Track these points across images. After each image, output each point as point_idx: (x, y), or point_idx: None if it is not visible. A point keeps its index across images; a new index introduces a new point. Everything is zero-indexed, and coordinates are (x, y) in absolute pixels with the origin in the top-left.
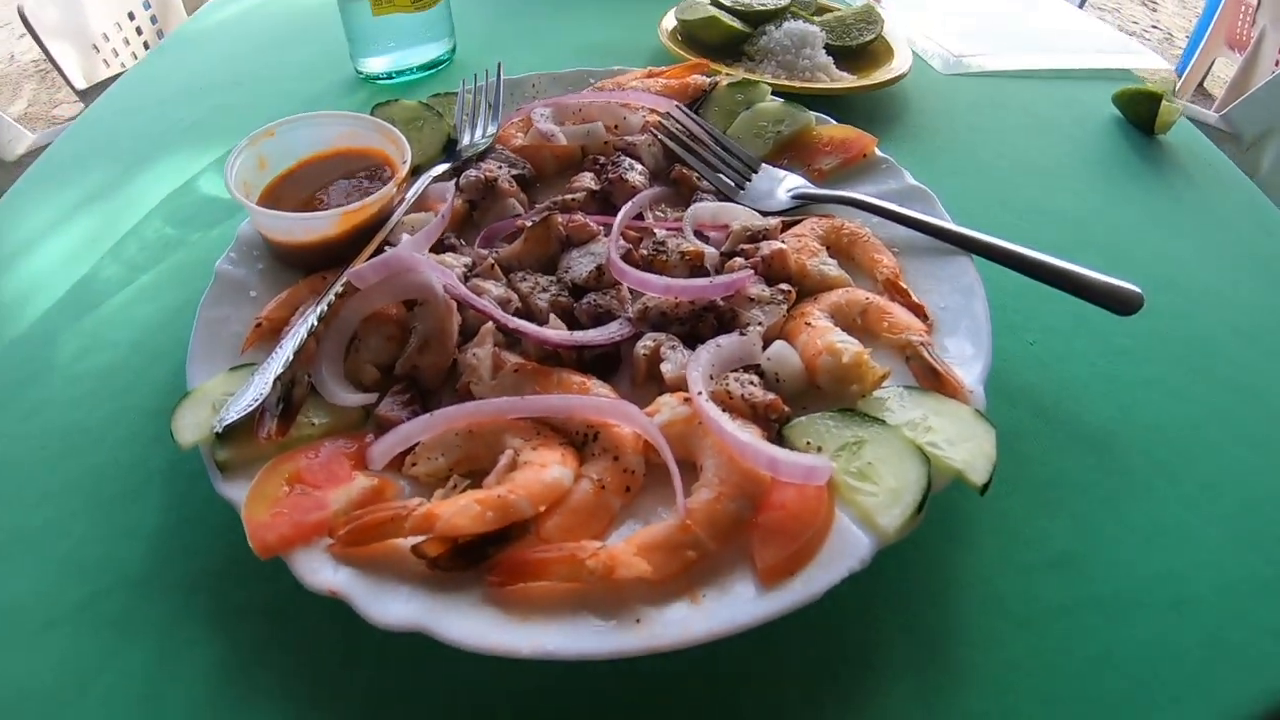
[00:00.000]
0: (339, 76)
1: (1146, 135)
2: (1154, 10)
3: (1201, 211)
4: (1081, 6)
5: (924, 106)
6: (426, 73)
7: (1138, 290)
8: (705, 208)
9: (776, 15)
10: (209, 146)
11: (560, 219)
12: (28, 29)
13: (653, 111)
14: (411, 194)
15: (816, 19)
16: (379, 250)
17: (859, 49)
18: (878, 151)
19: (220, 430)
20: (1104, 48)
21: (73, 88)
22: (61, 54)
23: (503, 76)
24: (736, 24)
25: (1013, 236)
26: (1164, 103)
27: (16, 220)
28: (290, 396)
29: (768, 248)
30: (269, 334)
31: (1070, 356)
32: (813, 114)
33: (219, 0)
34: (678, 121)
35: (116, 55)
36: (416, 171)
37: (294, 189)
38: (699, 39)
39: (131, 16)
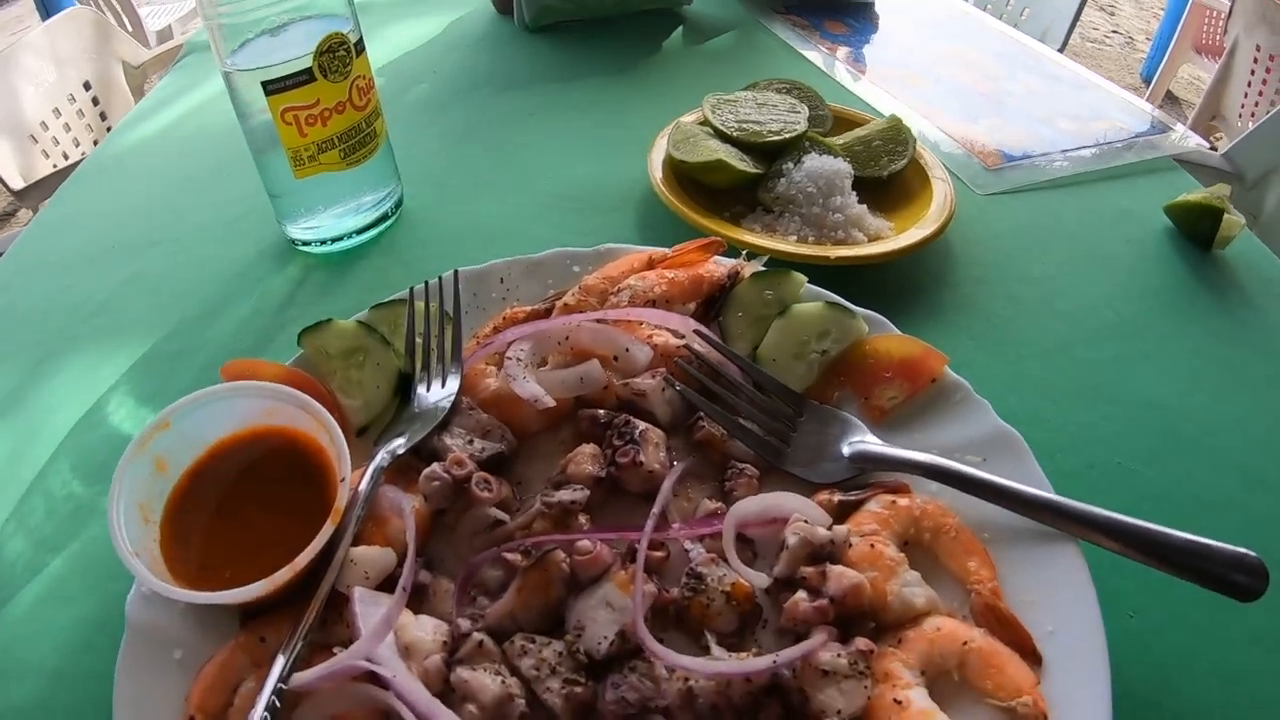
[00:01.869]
0: (270, 234)
1: (1203, 250)
2: (1112, 15)
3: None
4: (1063, 49)
5: (964, 240)
6: (367, 235)
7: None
8: (749, 507)
9: (792, 147)
10: (121, 341)
11: (562, 556)
12: None
13: (660, 331)
14: (360, 501)
15: (839, 142)
16: (330, 596)
17: (889, 178)
18: (949, 372)
19: None
20: (1135, 127)
21: (8, 188)
22: None
23: (459, 290)
24: (747, 167)
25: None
26: (1225, 216)
27: None
28: None
29: (837, 583)
30: None
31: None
32: (863, 319)
33: (146, 107)
34: (697, 356)
35: (57, 144)
36: (365, 430)
37: (208, 489)
38: (701, 183)
39: (72, 99)
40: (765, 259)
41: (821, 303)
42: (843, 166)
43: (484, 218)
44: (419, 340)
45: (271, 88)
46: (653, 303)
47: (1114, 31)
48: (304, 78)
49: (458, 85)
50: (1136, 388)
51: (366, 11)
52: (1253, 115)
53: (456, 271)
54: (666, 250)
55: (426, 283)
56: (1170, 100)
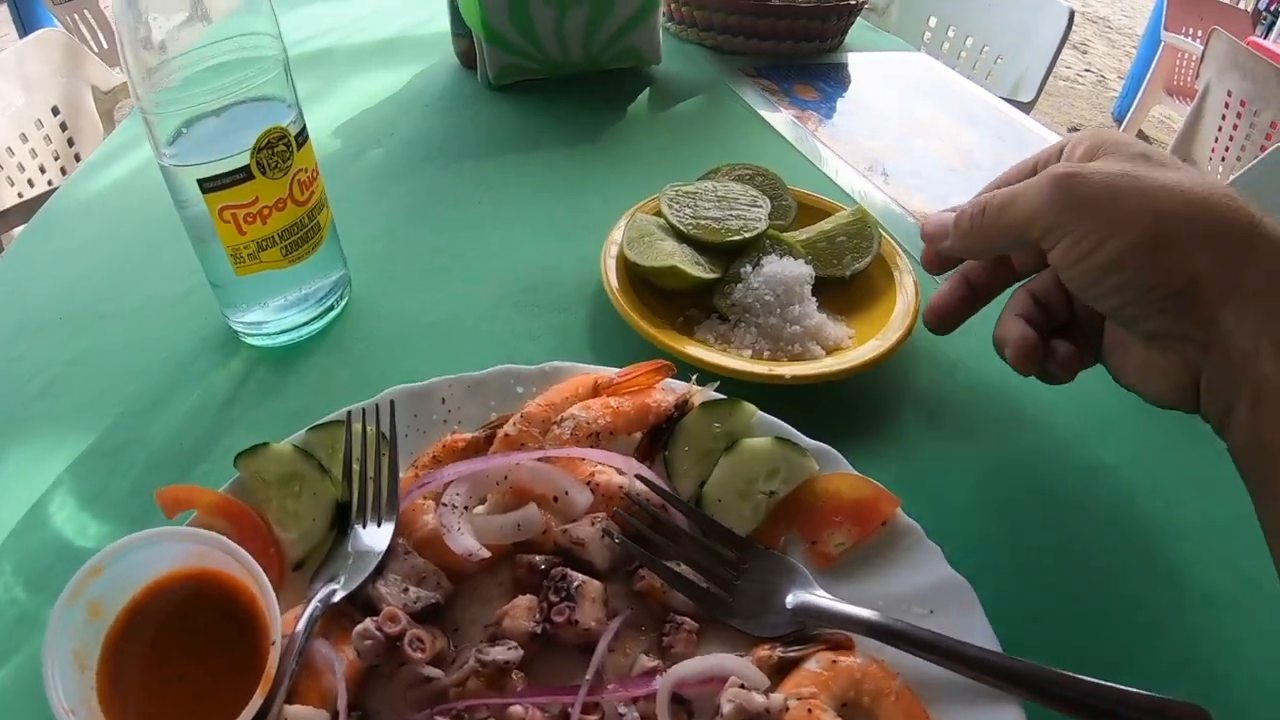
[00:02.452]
0: (216, 318)
1: None
2: (1084, 54)
3: None
4: (1037, 97)
5: (929, 339)
6: (313, 328)
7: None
8: (685, 669)
9: (752, 247)
10: (66, 430)
11: None
12: None
13: (603, 468)
14: (293, 653)
15: (801, 238)
16: None
17: (852, 276)
18: (901, 515)
19: None
20: None
21: None
22: None
23: (396, 420)
24: (703, 272)
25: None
26: None
27: None
28: None
29: None
30: None
31: None
32: (813, 455)
33: (107, 152)
34: (637, 503)
35: (23, 170)
36: (302, 564)
37: (144, 629)
38: (655, 286)
39: (40, 124)
40: (716, 384)
41: (771, 439)
42: (803, 270)
43: (432, 310)
44: (356, 468)
45: (208, 185)
46: (596, 435)
47: (1086, 70)
48: (241, 175)
49: (412, 152)
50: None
51: (327, 62)
52: (1223, 159)
53: (393, 402)
54: (613, 373)
55: (364, 408)
56: (1142, 140)
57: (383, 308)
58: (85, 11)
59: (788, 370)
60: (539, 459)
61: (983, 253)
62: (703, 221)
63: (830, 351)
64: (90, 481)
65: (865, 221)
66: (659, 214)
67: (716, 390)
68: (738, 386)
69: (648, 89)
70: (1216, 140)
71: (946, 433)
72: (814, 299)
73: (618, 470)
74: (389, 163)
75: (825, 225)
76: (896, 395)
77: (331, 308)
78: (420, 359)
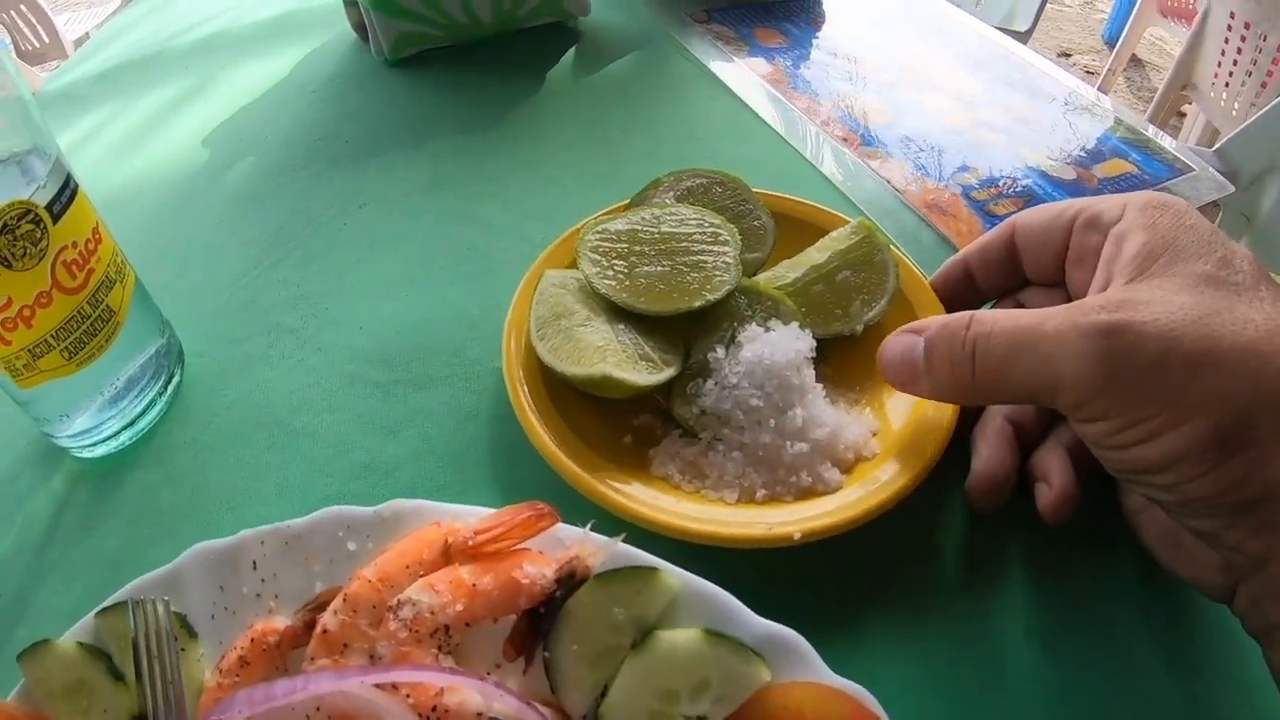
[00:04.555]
0: (38, 440)
1: None
2: None
3: None
4: (1033, 29)
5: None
6: (137, 429)
7: None
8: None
9: (720, 315)
10: None
11: None
12: None
13: (454, 690)
14: None
15: (786, 281)
16: None
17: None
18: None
19: None
20: (1151, 172)
21: None
22: None
23: (196, 603)
24: (652, 374)
25: None
26: None
27: None
28: None
29: None
30: None
31: None
32: (762, 660)
33: None
34: None
35: None
36: None
37: None
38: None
39: None
40: (622, 535)
41: (699, 631)
42: (801, 345)
43: (274, 393)
44: (148, 666)
45: None
46: (445, 629)
47: None
48: None
49: (285, 158)
50: None
51: (207, 52)
52: (1226, 85)
53: (167, 602)
54: (472, 526)
55: (159, 578)
56: (1134, 64)
57: (218, 394)
58: None
59: (795, 525)
60: (361, 680)
61: (970, 404)
62: (647, 285)
63: (849, 468)
64: None
65: (873, 242)
66: (576, 266)
67: (625, 541)
68: (719, 552)
69: (572, 49)
70: (1219, 65)
71: (977, 599)
72: (819, 386)
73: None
74: (256, 176)
75: (818, 256)
76: (914, 527)
77: (155, 402)
78: (253, 473)
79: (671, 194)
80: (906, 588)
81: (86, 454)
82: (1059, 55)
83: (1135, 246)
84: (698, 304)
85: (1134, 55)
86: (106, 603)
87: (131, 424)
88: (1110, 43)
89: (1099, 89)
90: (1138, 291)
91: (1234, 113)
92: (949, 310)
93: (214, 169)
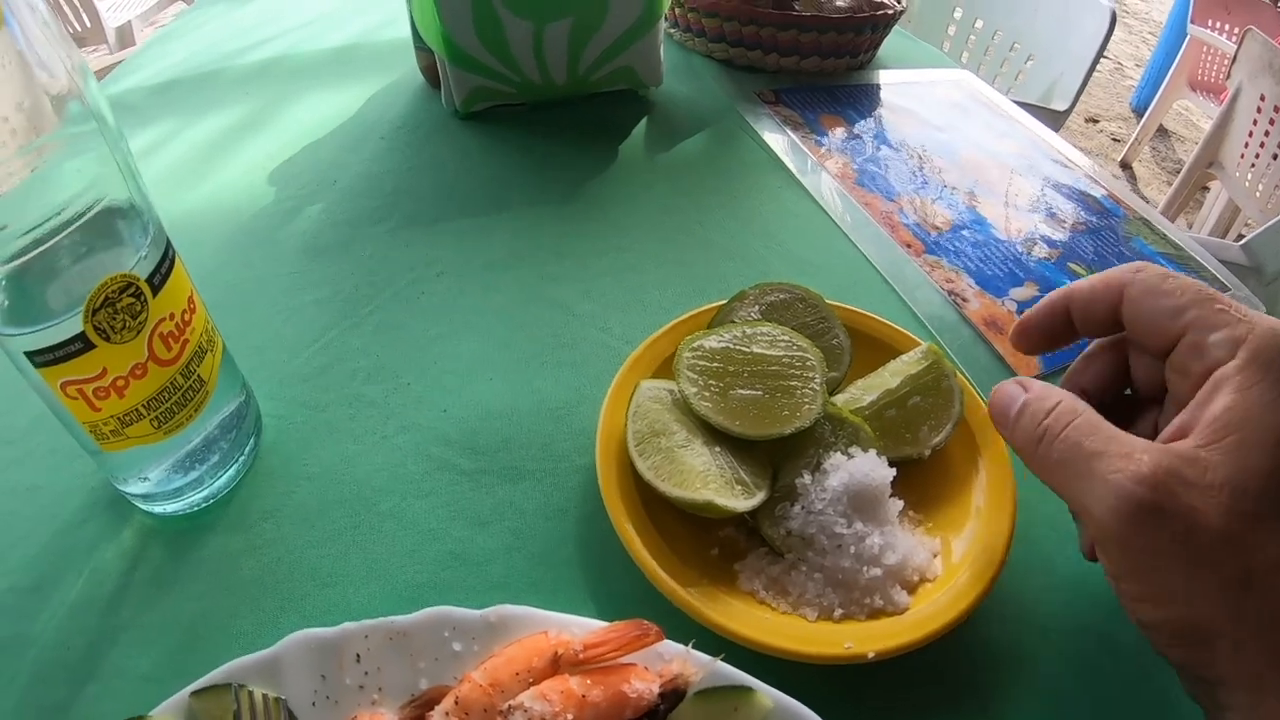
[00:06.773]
0: (103, 485)
1: None
2: None
3: None
4: (1074, 105)
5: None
6: (210, 494)
7: None
8: None
9: (807, 442)
10: None
11: None
12: None
13: None
14: None
15: (863, 404)
16: None
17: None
18: None
19: None
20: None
21: None
22: None
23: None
24: (748, 498)
25: None
26: None
27: None
28: None
29: None
30: None
31: None
32: None
33: None
34: None
35: None
36: None
37: None
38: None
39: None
40: (721, 655)
41: None
42: (883, 474)
43: (356, 470)
44: None
45: (38, 360)
46: None
47: (1103, 56)
48: (78, 347)
49: (355, 211)
50: None
51: (271, 77)
52: (1252, 166)
53: (284, 702)
54: (580, 639)
55: (260, 662)
56: (1160, 133)
57: (299, 463)
58: None
59: (869, 643)
60: None
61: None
62: (738, 406)
63: (914, 588)
64: None
65: (941, 369)
66: (665, 374)
67: (723, 660)
68: (793, 667)
69: (645, 119)
70: (1246, 146)
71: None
72: (896, 518)
73: None
74: (327, 225)
75: (891, 381)
76: (973, 638)
77: (234, 463)
78: (339, 552)
79: (756, 308)
80: (975, 697)
81: (158, 509)
82: (1086, 121)
83: (1219, 410)
84: (789, 430)
85: (1162, 127)
86: (203, 682)
87: (204, 487)
88: (1138, 110)
89: (1124, 159)
90: (1191, 469)
91: (1258, 194)
92: (1047, 339)
93: (282, 211)
